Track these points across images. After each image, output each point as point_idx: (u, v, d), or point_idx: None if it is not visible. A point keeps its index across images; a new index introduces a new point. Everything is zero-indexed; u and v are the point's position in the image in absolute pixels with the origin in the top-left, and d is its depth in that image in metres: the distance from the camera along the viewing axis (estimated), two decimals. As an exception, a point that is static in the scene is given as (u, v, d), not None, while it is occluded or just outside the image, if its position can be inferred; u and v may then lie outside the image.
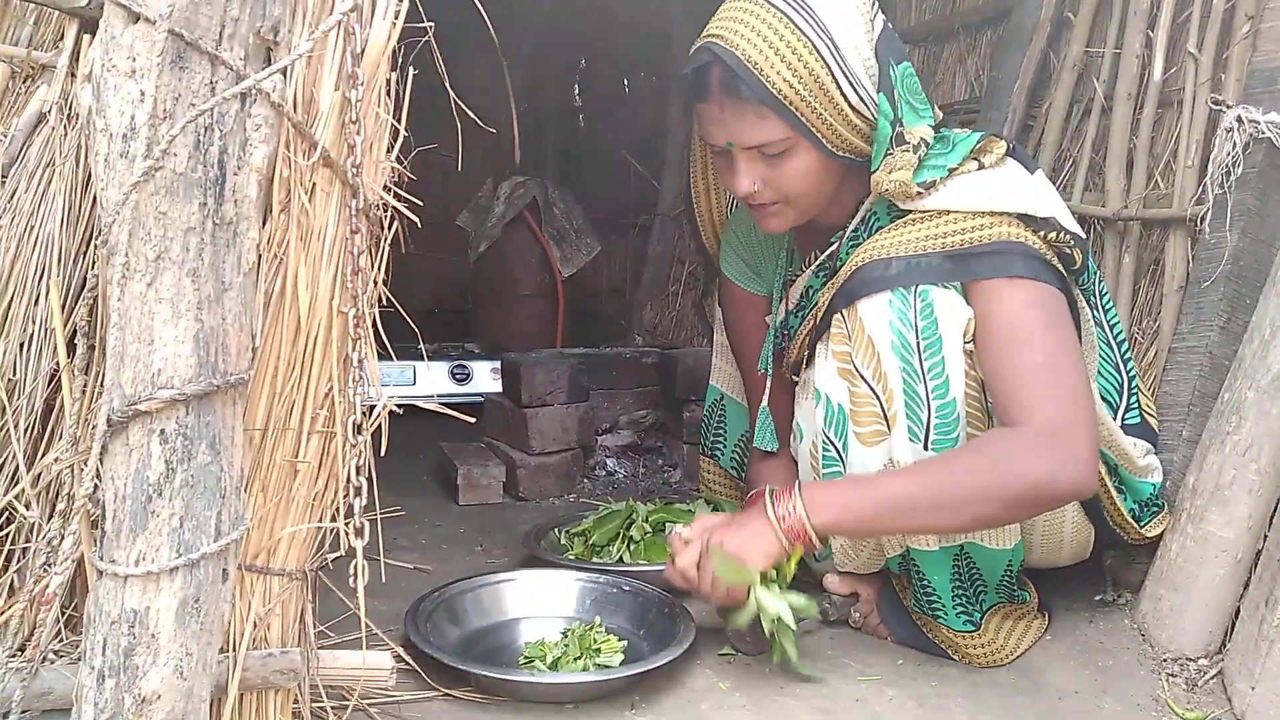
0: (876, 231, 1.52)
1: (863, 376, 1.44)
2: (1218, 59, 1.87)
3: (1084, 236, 1.50)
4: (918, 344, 1.40)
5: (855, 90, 1.46)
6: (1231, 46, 1.83)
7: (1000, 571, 1.53)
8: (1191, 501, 1.60)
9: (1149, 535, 1.63)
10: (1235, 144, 1.73)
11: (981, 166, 1.48)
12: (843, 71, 1.44)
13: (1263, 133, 1.70)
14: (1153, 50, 1.98)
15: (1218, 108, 1.81)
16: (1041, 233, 1.44)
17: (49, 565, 1.14)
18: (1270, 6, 1.76)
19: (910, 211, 1.47)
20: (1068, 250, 1.46)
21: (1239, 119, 1.73)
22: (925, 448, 1.42)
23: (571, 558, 1.88)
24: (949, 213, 1.44)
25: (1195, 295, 1.77)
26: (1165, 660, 1.56)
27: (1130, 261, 1.97)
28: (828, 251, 1.64)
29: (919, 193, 1.45)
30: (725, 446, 2.03)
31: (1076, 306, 1.51)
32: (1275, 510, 1.52)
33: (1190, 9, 1.92)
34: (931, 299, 1.40)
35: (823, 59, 1.43)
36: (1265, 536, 1.52)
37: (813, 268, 1.67)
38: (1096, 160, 2.09)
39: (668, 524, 1.92)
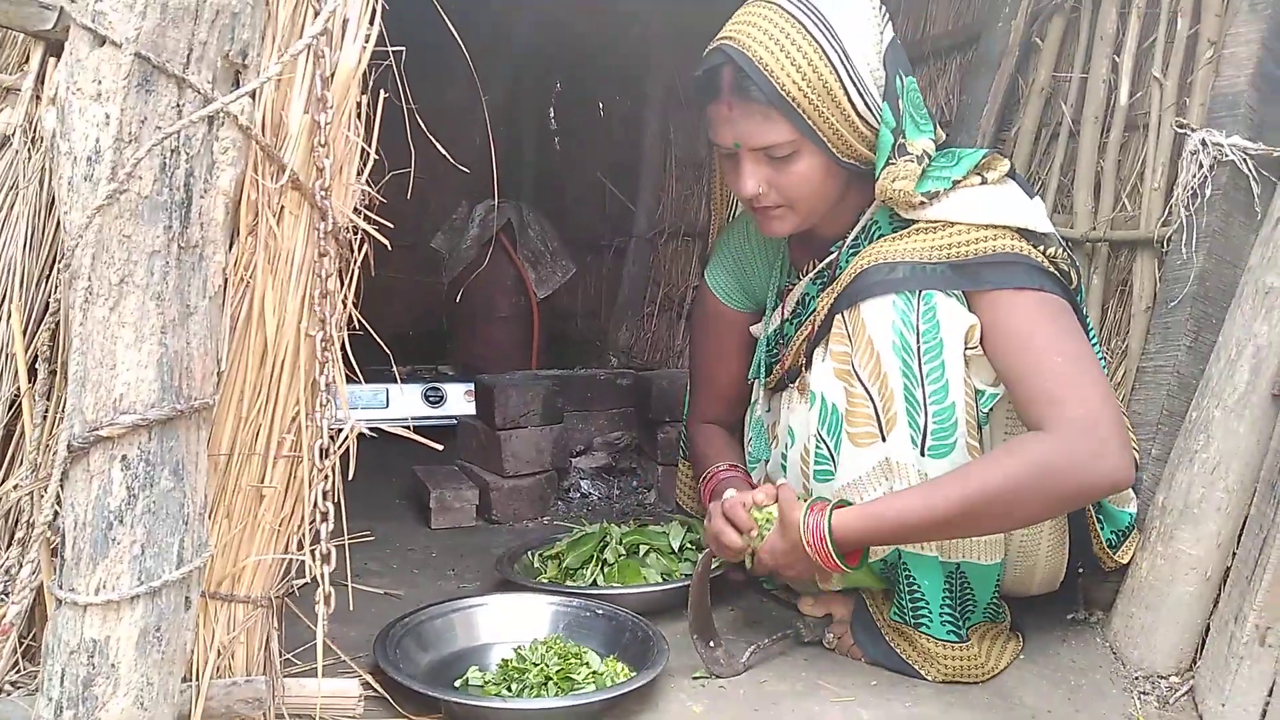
0: (878, 240, 1.53)
1: (860, 378, 1.45)
2: (1182, 83, 1.90)
3: (1078, 262, 1.52)
4: (918, 347, 1.41)
5: (862, 97, 1.49)
6: (1195, 71, 1.86)
7: (991, 589, 1.54)
8: (1161, 519, 1.61)
9: (1122, 561, 1.64)
10: (1200, 166, 1.76)
11: (985, 181, 1.51)
12: (851, 79, 1.48)
13: (1226, 156, 1.72)
14: (1119, 75, 2.02)
15: (1183, 131, 1.83)
16: (1041, 247, 1.46)
17: (6, 594, 1.12)
18: (1231, 33, 1.79)
19: (913, 222, 1.49)
20: (1065, 268, 1.49)
21: (1203, 142, 1.75)
22: (922, 453, 1.42)
23: (545, 581, 1.87)
24: (952, 224, 1.46)
25: (1162, 315, 1.79)
26: (1137, 678, 1.56)
27: (1099, 282, 1.99)
28: (827, 260, 1.65)
29: (922, 201, 1.47)
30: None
31: (1084, 319, 1.53)
32: (1243, 527, 1.53)
33: (1155, 34, 1.95)
34: (935, 303, 1.41)
35: (832, 65, 1.47)
36: (1234, 554, 1.54)
37: (810, 276, 1.69)
38: (1065, 183, 2.12)
39: (641, 546, 1.91)
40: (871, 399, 1.45)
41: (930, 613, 1.52)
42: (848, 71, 1.48)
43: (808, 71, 1.46)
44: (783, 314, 1.75)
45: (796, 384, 1.66)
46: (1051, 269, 1.46)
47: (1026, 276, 1.43)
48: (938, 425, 1.42)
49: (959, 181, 1.49)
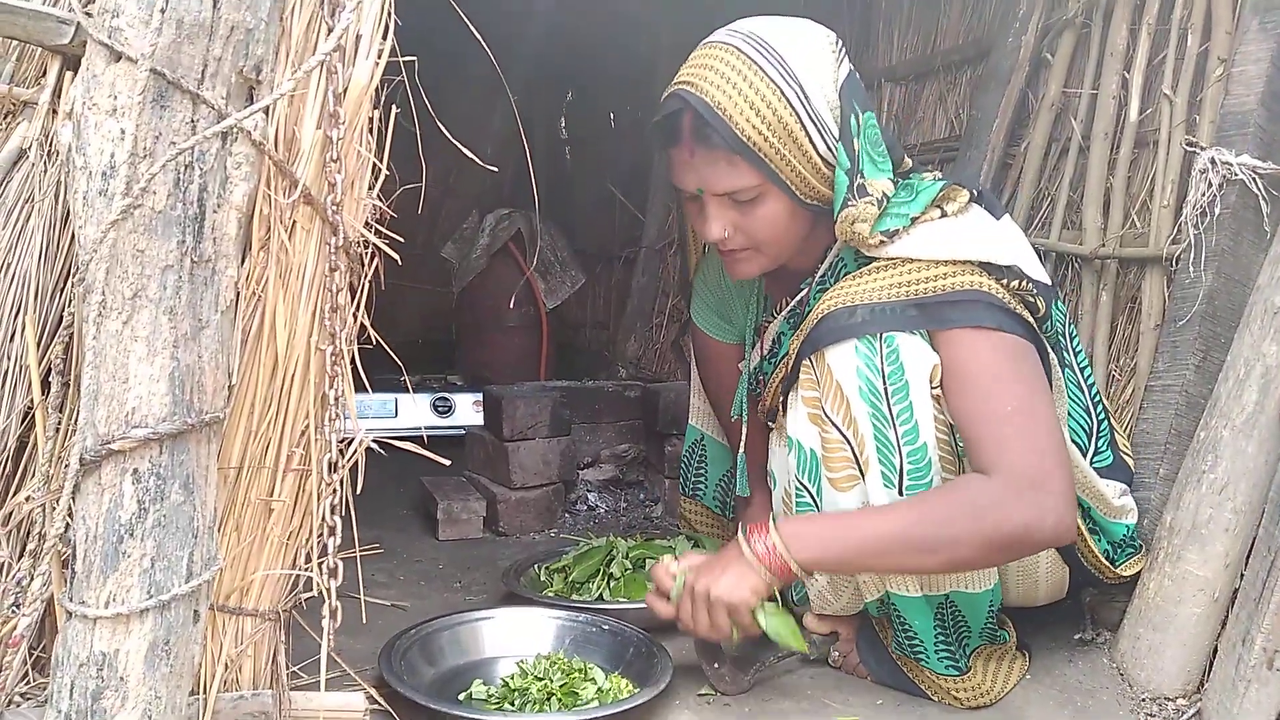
0: (844, 277, 1.53)
1: (833, 422, 1.44)
2: (1192, 101, 1.90)
3: (1049, 284, 1.51)
4: (885, 389, 1.40)
5: (823, 137, 1.48)
6: (1205, 89, 1.87)
7: (984, 615, 1.53)
8: (1169, 540, 1.61)
9: (1124, 575, 1.63)
10: (1210, 185, 1.75)
11: (944, 214, 1.48)
12: (811, 118, 1.46)
13: (1235, 174, 1.72)
14: (1129, 91, 2.02)
15: (1192, 149, 1.83)
16: (1004, 280, 1.44)
17: (17, 606, 1.13)
18: (1241, 51, 1.79)
19: (876, 259, 1.48)
20: (1031, 298, 1.47)
21: (1213, 160, 1.75)
22: (900, 493, 1.42)
23: (551, 594, 1.87)
24: (912, 261, 1.45)
25: (1171, 333, 1.79)
26: (1144, 700, 1.55)
27: (1107, 299, 1.99)
28: (797, 298, 1.65)
29: (881, 241, 1.45)
30: (707, 486, 2.03)
31: (1045, 354, 1.51)
32: (1252, 548, 1.53)
33: (1165, 51, 1.95)
34: (897, 344, 1.40)
35: (791, 106, 1.45)
36: (1242, 575, 1.53)
37: (783, 314, 1.69)
38: (1074, 199, 2.12)
39: (648, 560, 1.91)
40: (849, 442, 1.44)
41: (926, 650, 1.51)
42: (807, 111, 1.45)
43: (767, 115, 1.43)
44: (761, 351, 1.75)
45: (776, 425, 1.65)
46: (1015, 304, 1.44)
47: (987, 315, 1.41)
48: (912, 465, 1.41)
49: (917, 218, 1.46)
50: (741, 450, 1.80)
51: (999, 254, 1.45)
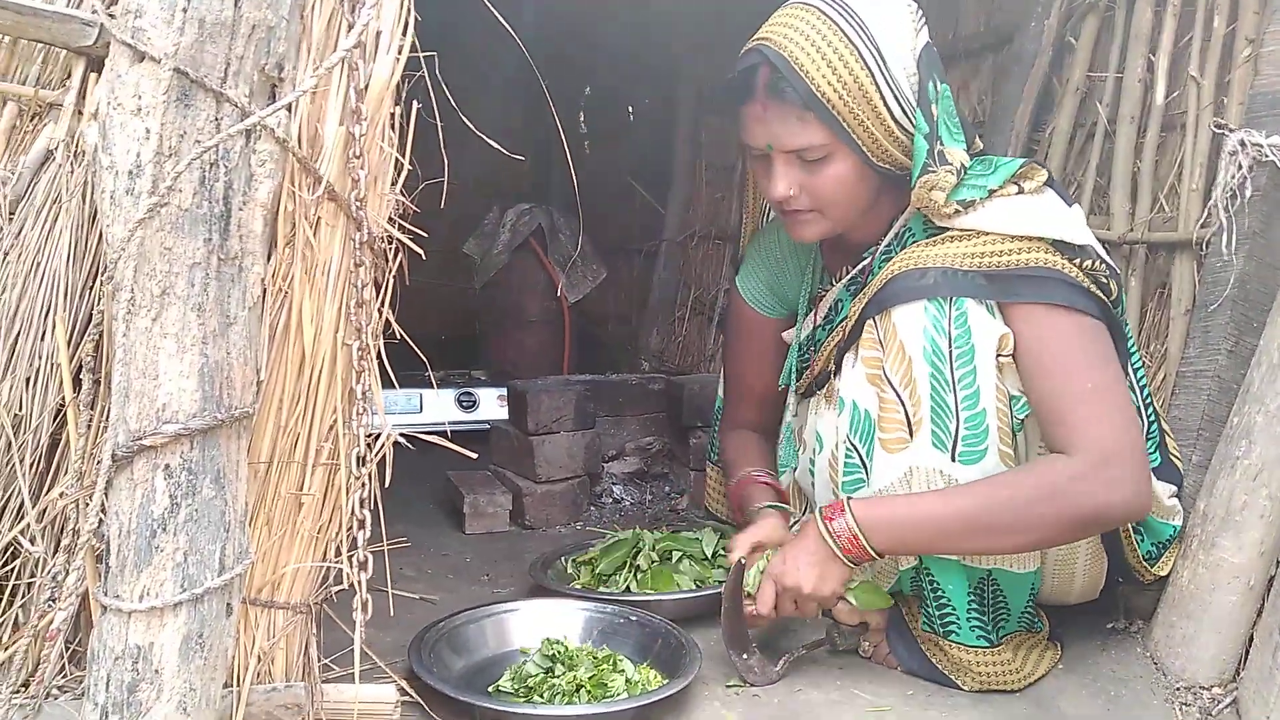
0: (911, 246, 1.52)
1: (891, 383, 1.45)
2: (1220, 82, 1.87)
3: (1119, 271, 1.50)
4: (950, 352, 1.40)
5: (899, 101, 1.49)
6: (1233, 70, 1.84)
7: (1025, 598, 1.53)
8: (1202, 527, 1.59)
9: (1159, 574, 1.62)
10: (1239, 167, 1.73)
11: (1021, 191, 1.49)
12: (888, 83, 1.47)
13: (1266, 156, 1.69)
14: (1155, 74, 1.99)
15: (1221, 131, 1.80)
16: (1078, 260, 1.44)
17: (53, 600, 1.14)
18: (1270, 31, 1.76)
19: (946, 230, 1.48)
20: (1104, 280, 1.46)
21: (1242, 143, 1.72)
22: (953, 458, 1.42)
23: (578, 587, 1.87)
24: (985, 234, 1.45)
25: (1202, 318, 1.76)
26: (1178, 689, 1.54)
27: (1137, 285, 1.97)
28: (860, 265, 1.64)
29: (957, 210, 1.46)
30: None
31: (1119, 335, 1.51)
32: (1287, 535, 1.51)
33: (1191, 33, 1.93)
34: (966, 309, 1.40)
35: (869, 69, 1.46)
36: (1277, 562, 1.51)
37: (843, 282, 1.68)
38: (1101, 184, 2.09)
39: (674, 552, 1.91)
40: (903, 404, 1.44)
41: (958, 619, 1.51)
42: (884, 76, 1.47)
43: (844, 75, 1.45)
44: (815, 320, 1.75)
45: (824, 390, 1.65)
46: (1088, 283, 1.44)
47: (1061, 292, 1.41)
48: (969, 431, 1.41)
49: (995, 191, 1.47)
50: (787, 419, 1.80)
51: (1074, 234, 1.45)
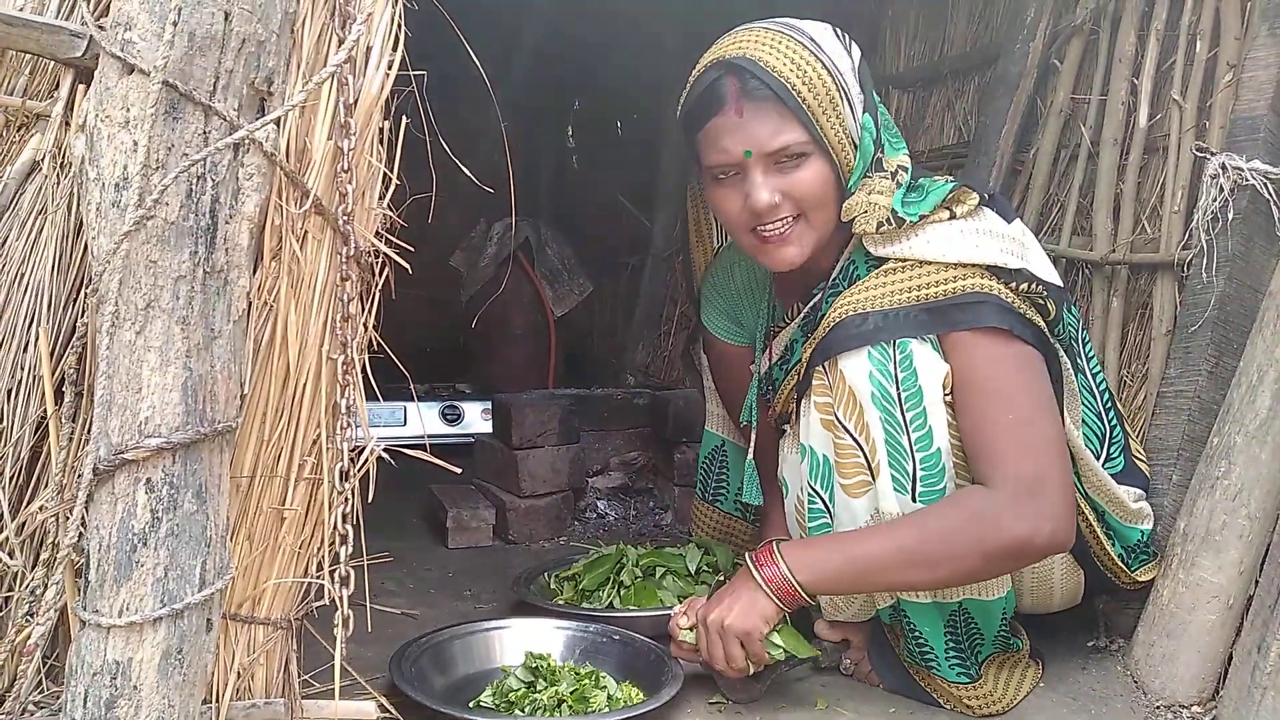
0: (855, 282, 1.52)
1: (846, 428, 1.44)
2: (1202, 106, 1.89)
3: (1060, 286, 1.50)
4: (899, 395, 1.40)
5: (852, 110, 1.50)
6: (1215, 94, 1.86)
7: (997, 623, 1.53)
8: (1182, 547, 1.60)
9: (1140, 580, 1.63)
10: (1220, 190, 1.75)
11: (953, 216, 1.47)
12: (841, 89, 1.49)
13: (1246, 180, 1.72)
14: (1138, 97, 2.01)
15: (1202, 155, 1.83)
16: (1013, 284, 1.44)
17: (32, 615, 1.13)
18: (1251, 56, 1.78)
19: (886, 261, 1.48)
20: (1041, 301, 1.46)
21: (1223, 166, 1.74)
22: (913, 499, 1.42)
23: (561, 603, 1.87)
24: (923, 264, 1.45)
25: (1183, 339, 1.78)
26: (1158, 708, 1.55)
27: (1118, 305, 1.99)
28: (810, 304, 1.64)
29: (890, 223, 1.45)
30: (728, 492, 2.02)
31: (1056, 358, 1.51)
32: (1266, 555, 1.52)
33: (1174, 57, 1.95)
34: (911, 351, 1.40)
35: (829, 71, 1.48)
36: (1256, 582, 1.52)
37: (796, 320, 1.68)
38: (1084, 204, 2.11)
39: (658, 567, 1.91)
40: (860, 448, 1.44)
41: (937, 658, 1.51)
42: (839, 82, 1.49)
43: (810, 75, 1.46)
44: (770, 358, 1.75)
45: (790, 430, 1.65)
46: (1024, 307, 1.43)
47: (993, 316, 1.41)
48: (925, 471, 1.41)
49: (926, 216, 1.46)
50: (750, 456, 1.80)
51: (1007, 257, 1.44)
